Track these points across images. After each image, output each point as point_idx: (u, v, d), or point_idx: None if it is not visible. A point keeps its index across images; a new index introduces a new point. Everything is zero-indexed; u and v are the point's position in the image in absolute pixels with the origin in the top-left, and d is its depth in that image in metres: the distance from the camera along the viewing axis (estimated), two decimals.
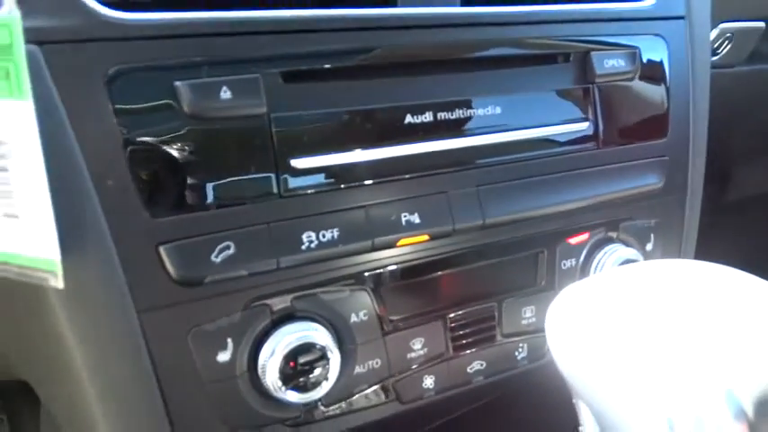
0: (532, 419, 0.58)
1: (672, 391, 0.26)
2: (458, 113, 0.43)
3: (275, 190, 0.37)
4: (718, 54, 0.81)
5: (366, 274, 0.41)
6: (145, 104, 0.34)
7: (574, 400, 0.32)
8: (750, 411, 0.26)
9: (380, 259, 0.42)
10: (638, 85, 0.50)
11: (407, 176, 0.41)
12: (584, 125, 0.47)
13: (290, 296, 0.39)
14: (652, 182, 0.51)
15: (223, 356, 0.37)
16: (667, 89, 0.51)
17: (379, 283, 0.42)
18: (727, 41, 0.79)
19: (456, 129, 0.43)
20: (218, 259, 0.36)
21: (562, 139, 0.47)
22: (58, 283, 0.31)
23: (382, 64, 0.41)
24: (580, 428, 0.33)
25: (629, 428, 0.28)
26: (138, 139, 0.34)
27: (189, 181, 0.35)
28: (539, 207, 0.46)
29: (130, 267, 0.35)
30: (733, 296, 0.29)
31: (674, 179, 0.52)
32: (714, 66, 0.83)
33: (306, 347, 0.38)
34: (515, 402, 0.59)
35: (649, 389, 0.27)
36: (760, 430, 0.26)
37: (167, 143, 0.35)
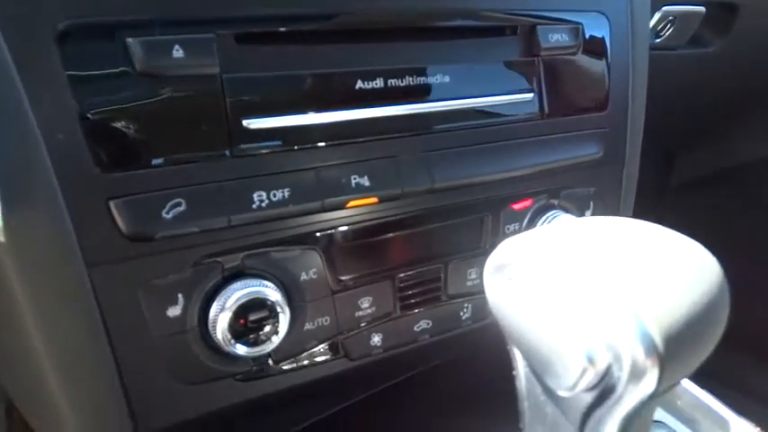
0: (481, 385, 0.60)
1: (590, 327, 0.29)
2: (407, 81, 0.44)
3: (226, 150, 0.38)
4: (660, 36, 0.84)
5: (317, 234, 0.43)
6: (96, 60, 0.35)
7: (508, 347, 0.35)
8: (660, 347, 0.28)
9: (331, 220, 0.43)
10: (581, 60, 0.52)
11: (358, 140, 0.43)
12: (529, 96, 0.50)
13: (241, 254, 0.40)
14: (592, 152, 0.53)
15: (173, 311, 0.38)
16: (608, 64, 0.54)
17: (329, 244, 0.43)
18: (669, 24, 0.82)
19: (405, 96, 0.44)
20: (169, 216, 0.37)
21: (508, 109, 0.49)
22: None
23: (334, 30, 0.42)
24: (514, 373, 0.35)
25: (553, 365, 0.30)
26: (89, 94, 0.34)
27: (140, 138, 0.36)
28: (484, 173, 0.48)
29: (80, 222, 0.35)
30: (651, 244, 0.32)
31: (613, 150, 0.55)
32: (657, 48, 0.86)
33: (256, 303, 0.39)
34: (465, 368, 0.61)
35: (569, 325, 0.29)
36: (669, 365, 0.29)
37: (119, 100, 0.35)
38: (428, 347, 0.50)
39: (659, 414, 0.56)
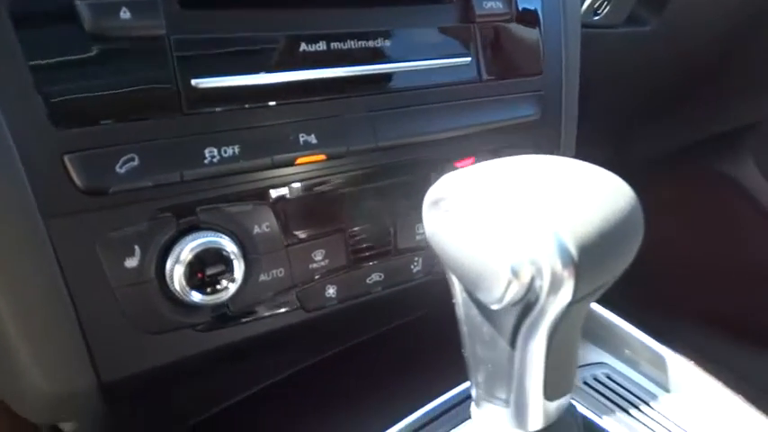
0: (434, 344, 0.62)
1: (514, 245, 0.31)
2: (350, 45, 0.47)
3: (177, 108, 0.40)
4: (599, 15, 0.89)
5: (269, 189, 0.45)
6: (46, 21, 0.36)
7: (447, 276, 0.37)
8: (576, 257, 0.31)
9: (282, 176, 0.45)
10: (515, 27, 0.56)
11: (304, 100, 0.45)
12: (467, 60, 0.53)
13: (196, 208, 0.42)
14: (530, 113, 0.57)
15: (131, 263, 0.40)
16: (541, 32, 0.57)
17: (280, 199, 0.45)
18: (606, 2, 0.87)
19: (348, 58, 0.47)
20: (123, 170, 0.39)
21: (447, 72, 0.52)
22: None
23: None
24: (453, 301, 0.38)
25: (484, 281, 0.33)
26: (41, 54, 0.36)
27: (92, 96, 0.38)
28: (426, 132, 0.51)
29: (36, 176, 0.36)
30: (572, 174, 0.35)
31: (550, 112, 0.59)
32: (597, 26, 0.91)
33: (211, 254, 0.42)
34: (419, 330, 0.64)
35: (497, 245, 0.32)
36: (584, 274, 0.32)
37: (69, 60, 0.37)
38: (383, 300, 0.52)
39: (603, 357, 0.59)
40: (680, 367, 0.55)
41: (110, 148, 0.38)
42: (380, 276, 0.51)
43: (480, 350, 0.37)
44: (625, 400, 0.54)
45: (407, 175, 0.51)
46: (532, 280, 0.32)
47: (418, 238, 0.53)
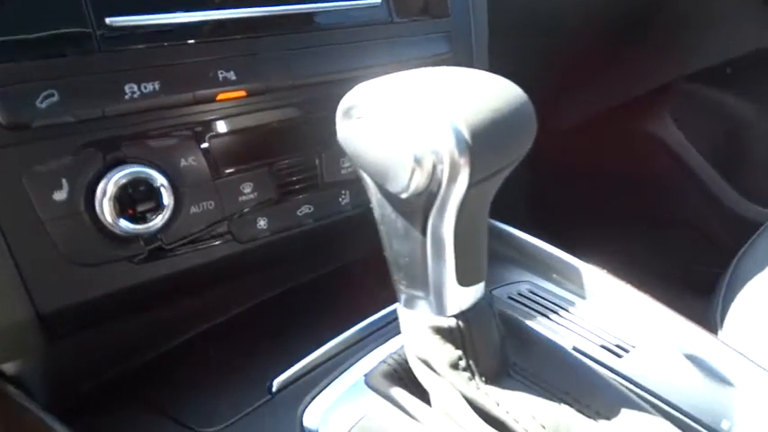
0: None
1: (416, 137, 0.35)
2: None
3: (92, 45, 0.42)
4: None
5: (194, 125, 0.47)
6: None
7: (362, 180, 0.40)
8: (470, 142, 0.35)
9: (206, 112, 0.47)
10: None
11: (222, 39, 0.47)
12: (377, 2, 0.56)
13: (121, 143, 0.44)
14: (442, 51, 0.60)
15: (59, 196, 0.41)
16: None
17: (206, 134, 0.47)
18: None
19: None
20: (43, 105, 0.40)
21: (360, 13, 0.55)
22: None
23: None
24: (371, 205, 0.41)
25: (391, 170, 0.36)
26: None
27: (9, 33, 0.39)
28: (340, 71, 0.54)
29: None
30: (471, 77, 0.39)
31: (461, 50, 0.62)
32: None
33: (140, 187, 0.43)
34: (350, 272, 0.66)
35: (401, 139, 0.35)
36: (479, 158, 0.35)
37: None
38: (314, 233, 0.55)
39: (525, 276, 0.64)
40: (593, 276, 0.60)
41: (29, 84, 0.39)
42: (310, 209, 0.54)
43: (397, 245, 0.40)
44: (546, 308, 0.58)
45: (328, 111, 0.54)
46: (434, 167, 0.36)
47: (343, 171, 0.56)
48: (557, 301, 0.60)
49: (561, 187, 1.49)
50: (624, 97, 1.63)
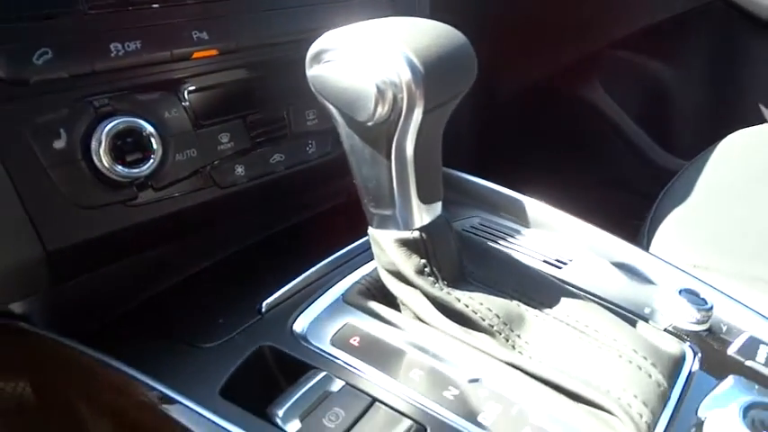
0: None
1: (377, 69, 0.41)
2: None
3: (79, 7, 0.46)
4: None
5: (174, 80, 0.52)
6: None
7: (332, 118, 0.47)
8: (423, 72, 0.42)
9: (184, 69, 0.52)
10: None
11: (196, 2, 0.52)
12: None
13: (111, 95, 0.48)
14: (388, 13, 0.67)
15: (58, 144, 0.46)
16: None
17: (186, 88, 0.53)
18: None
19: None
20: (40, 62, 0.44)
21: None
22: None
23: None
24: (341, 140, 0.47)
25: (357, 101, 0.42)
26: None
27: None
28: (303, 30, 0.59)
29: None
30: (424, 23, 0.45)
31: (406, 11, 0.69)
32: None
33: (128, 133, 0.48)
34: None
35: (365, 74, 0.41)
36: (431, 87, 0.42)
37: None
38: (287, 179, 0.61)
39: (475, 212, 0.72)
40: (535, 207, 0.69)
41: (26, 43, 0.44)
42: (281, 157, 0.60)
43: (366, 171, 0.47)
44: (495, 236, 0.66)
45: (293, 68, 0.60)
46: (394, 97, 0.42)
47: (309, 123, 0.62)
48: (504, 230, 0.68)
49: (508, 150, 1.58)
50: (557, 66, 1.74)
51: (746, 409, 0.39)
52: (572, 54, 1.72)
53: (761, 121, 1.44)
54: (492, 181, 0.75)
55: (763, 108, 1.53)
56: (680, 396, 0.45)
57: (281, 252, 0.63)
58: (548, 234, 0.68)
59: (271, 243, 0.65)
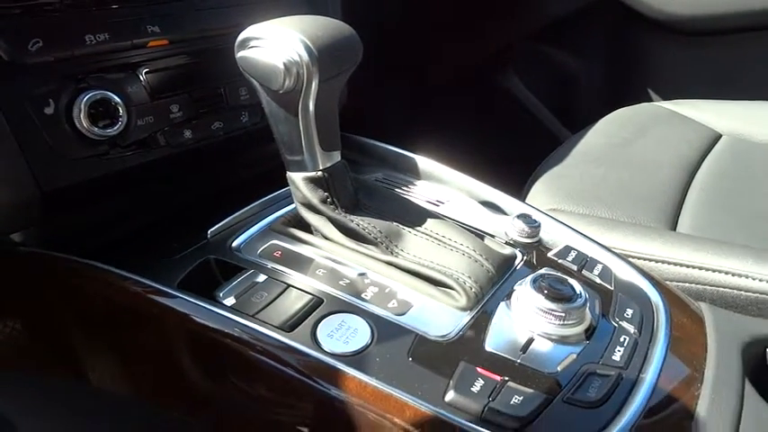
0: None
1: (284, 51, 0.59)
2: None
3: (60, 3, 0.62)
4: None
5: (134, 63, 0.68)
6: None
7: (257, 93, 0.64)
8: (316, 52, 0.59)
9: (142, 54, 0.68)
10: None
11: (151, 4, 0.68)
12: None
13: (87, 74, 0.64)
14: (303, 11, 0.84)
15: (48, 111, 0.62)
16: None
17: (143, 69, 0.69)
18: None
19: None
20: (33, 49, 0.60)
21: None
22: None
23: None
24: (263, 106, 0.64)
25: (271, 74, 0.59)
26: None
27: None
28: (234, 25, 0.76)
29: None
30: (320, 20, 0.63)
31: (321, 10, 0.86)
32: None
33: (100, 104, 0.64)
34: None
35: (275, 52, 0.59)
36: (323, 63, 0.60)
37: None
38: (226, 142, 0.78)
39: (380, 170, 0.90)
40: (426, 164, 0.87)
41: (23, 33, 0.59)
42: (221, 124, 0.77)
43: (281, 127, 0.64)
44: (392, 185, 0.85)
45: (227, 55, 0.76)
46: (297, 72, 0.60)
47: (242, 98, 0.79)
48: (401, 182, 0.86)
49: (433, 124, 1.76)
50: (477, 56, 1.95)
51: (535, 279, 0.58)
52: (491, 47, 1.93)
53: (647, 100, 1.68)
54: (413, 148, 0.93)
55: (649, 90, 1.77)
56: (505, 280, 0.64)
57: (224, 199, 0.80)
58: (437, 185, 0.87)
59: (217, 193, 0.81)
